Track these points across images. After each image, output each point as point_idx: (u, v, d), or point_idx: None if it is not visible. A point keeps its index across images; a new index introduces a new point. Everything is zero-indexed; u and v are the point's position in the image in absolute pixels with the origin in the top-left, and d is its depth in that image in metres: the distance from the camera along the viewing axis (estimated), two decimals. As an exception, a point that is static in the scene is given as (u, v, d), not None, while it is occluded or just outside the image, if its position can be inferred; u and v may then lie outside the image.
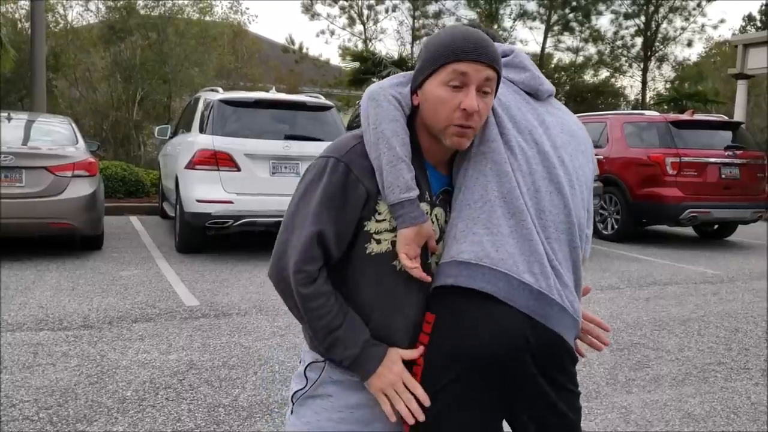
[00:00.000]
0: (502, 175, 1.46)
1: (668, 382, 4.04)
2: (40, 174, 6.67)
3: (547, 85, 1.62)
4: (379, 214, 1.46)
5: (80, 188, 6.88)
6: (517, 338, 1.40)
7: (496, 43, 1.67)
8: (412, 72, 1.53)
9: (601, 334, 1.68)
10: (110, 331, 4.63)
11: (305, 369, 1.58)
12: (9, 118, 7.79)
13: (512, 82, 1.60)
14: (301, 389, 1.57)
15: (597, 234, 10.22)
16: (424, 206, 1.49)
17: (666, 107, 21.35)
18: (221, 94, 7.72)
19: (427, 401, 1.44)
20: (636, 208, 9.79)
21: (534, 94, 1.60)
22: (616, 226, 10.07)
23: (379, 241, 1.47)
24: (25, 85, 14.06)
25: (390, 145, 1.43)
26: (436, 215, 1.53)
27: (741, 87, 16.69)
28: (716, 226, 10.80)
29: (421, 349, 1.48)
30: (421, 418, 1.43)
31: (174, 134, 9.58)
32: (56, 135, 7.68)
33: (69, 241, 7.75)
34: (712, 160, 9.57)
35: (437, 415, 1.46)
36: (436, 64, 1.43)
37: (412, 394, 1.46)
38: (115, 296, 5.59)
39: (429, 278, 1.46)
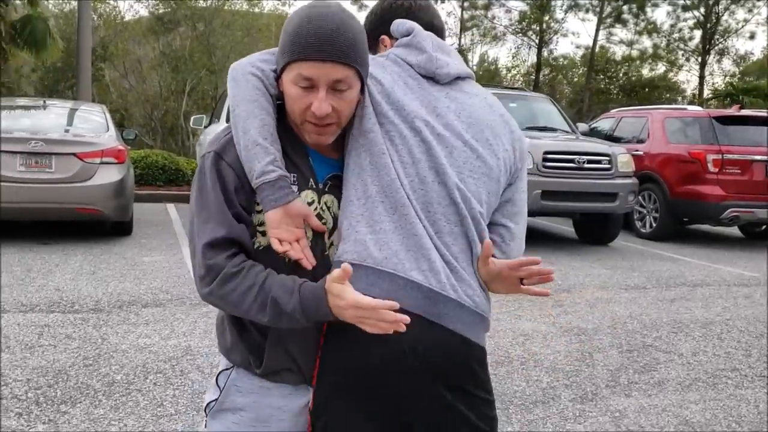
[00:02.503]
0: (381, 168, 1.38)
1: (672, 387, 3.88)
2: (69, 160, 6.84)
3: (449, 68, 1.49)
4: (258, 205, 1.40)
5: (108, 175, 7.03)
6: (405, 342, 1.31)
7: (402, 21, 1.56)
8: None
9: (533, 268, 1.39)
10: (118, 315, 4.71)
11: (217, 377, 1.53)
12: (44, 106, 8.02)
13: (409, 64, 1.49)
14: (213, 400, 1.53)
15: (635, 232, 9.93)
16: (310, 194, 1.42)
17: (722, 102, 20.58)
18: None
19: (393, 304, 1.24)
20: (675, 207, 9.46)
21: (432, 78, 1.48)
22: (654, 225, 9.75)
23: (263, 233, 1.40)
24: (74, 74, 14.48)
25: (245, 128, 1.35)
26: (326, 203, 1.44)
27: (801, 82, 15.95)
28: (764, 227, 10.36)
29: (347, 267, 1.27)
30: (406, 320, 1.24)
31: (209, 124, 9.71)
32: (90, 123, 7.87)
33: (99, 226, 7.94)
34: (758, 157, 9.16)
35: (325, 428, 1.40)
36: (284, 60, 1.34)
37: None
38: (132, 281, 5.69)
39: (309, 264, 1.37)
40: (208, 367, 3.82)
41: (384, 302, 1.24)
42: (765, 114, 10.24)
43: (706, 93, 26.26)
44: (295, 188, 1.39)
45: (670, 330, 5.06)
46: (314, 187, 1.43)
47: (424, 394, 1.35)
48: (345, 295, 1.26)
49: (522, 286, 1.41)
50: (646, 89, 28.13)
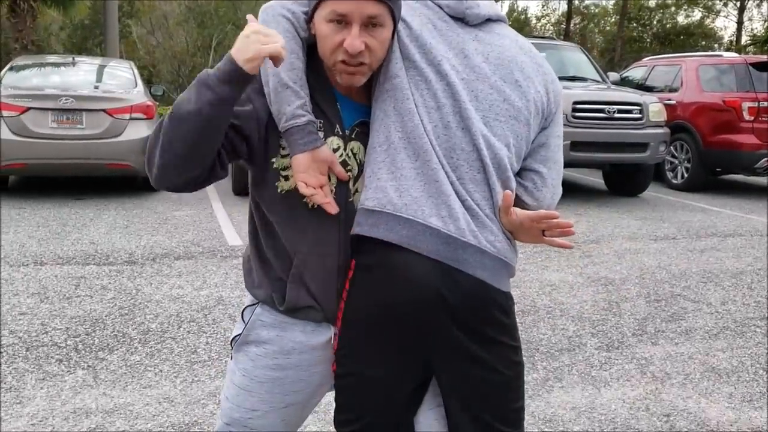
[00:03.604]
0: (405, 114, 1.37)
1: (700, 336, 3.88)
2: (99, 116, 6.93)
3: (479, 9, 1.46)
4: (284, 149, 1.41)
5: (138, 130, 7.11)
6: (425, 287, 1.33)
7: None
8: None
9: (553, 221, 1.37)
10: (151, 267, 4.83)
11: (242, 312, 1.58)
12: (74, 63, 8.09)
13: (438, 6, 1.47)
14: (238, 334, 1.58)
15: (666, 183, 9.79)
16: (336, 141, 1.42)
17: (761, 48, 19.92)
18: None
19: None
20: (708, 157, 9.27)
21: (462, 19, 1.46)
22: (686, 175, 9.59)
23: (287, 178, 1.42)
24: (101, 31, 14.54)
25: (275, 71, 1.35)
26: (352, 150, 1.45)
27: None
28: (800, 177, 10.13)
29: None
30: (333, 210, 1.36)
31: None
32: (118, 79, 7.94)
33: (130, 181, 8.07)
34: (796, 105, 8.90)
35: (350, 366, 1.44)
36: None
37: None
38: (164, 235, 5.80)
39: (333, 209, 1.39)
40: (240, 316, 3.90)
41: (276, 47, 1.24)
42: (804, 60, 9.91)
43: (744, 39, 25.43)
44: (321, 134, 1.41)
45: (699, 280, 5.03)
46: (340, 133, 1.44)
47: (446, 337, 1.37)
48: (252, 24, 1.28)
49: (544, 237, 1.42)
50: (681, 37, 27.33)
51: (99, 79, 7.85)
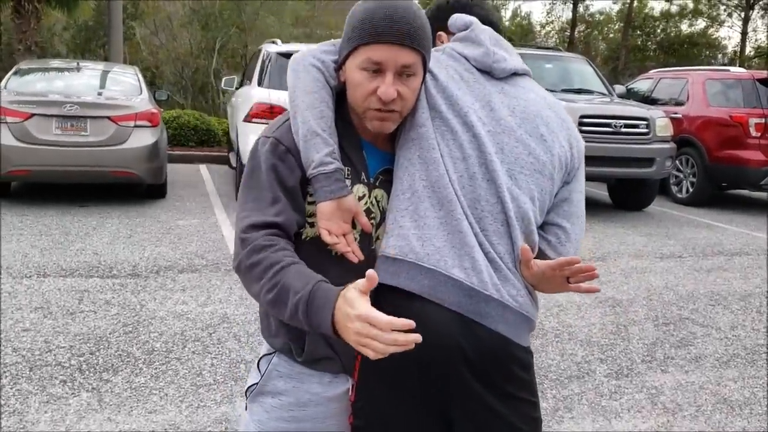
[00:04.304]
0: (430, 163, 1.37)
1: (710, 363, 3.84)
2: (103, 123, 6.88)
3: (506, 63, 1.47)
4: (310, 195, 1.40)
5: (142, 138, 7.06)
6: (445, 339, 1.30)
7: (460, 16, 1.54)
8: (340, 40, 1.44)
9: (575, 267, 1.32)
10: (155, 281, 4.78)
11: (258, 361, 1.56)
12: (78, 68, 8.05)
13: (465, 58, 1.47)
14: (254, 384, 1.55)
15: (671, 197, 9.75)
16: (361, 188, 1.42)
17: (766, 60, 19.90)
18: (279, 47, 7.70)
19: (409, 323, 1.10)
20: (714, 171, 9.24)
21: (489, 72, 1.46)
22: (690, 190, 9.56)
23: (312, 224, 1.42)
24: (105, 32, 14.51)
25: (304, 119, 1.36)
26: (376, 198, 1.44)
27: None
28: (805, 192, 10.10)
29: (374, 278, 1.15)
30: (417, 339, 1.11)
31: (240, 85, 9.67)
32: (123, 85, 7.90)
33: (134, 189, 8.03)
34: (802, 121, 8.87)
35: (368, 418, 1.41)
36: (351, 45, 1.35)
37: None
38: (168, 245, 5.76)
39: (356, 258, 1.37)
40: (245, 335, 3.87)
41: (401, 321, 1.09)
42: (811, 76, 9.89)
43: (749, 50, 25.43)
44: (348, 182, 1.39)
45: (708, 302, 4.99)
46: (366, 181, 1.43)
47: (465, 390, 1.34)
48: (357, 305, 1.12)
49: (570, 284, 1.39)
50: (685, 46, 27.32)
51: (103, 85, 7.81)
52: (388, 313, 1.34)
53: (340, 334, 1.17)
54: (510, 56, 1.49)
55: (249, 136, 7.15)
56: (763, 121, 8.83)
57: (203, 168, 10.64)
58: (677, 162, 9.52)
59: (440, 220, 1.35)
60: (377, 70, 1.33)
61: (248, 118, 7.21)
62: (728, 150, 9.07)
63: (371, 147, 1.45)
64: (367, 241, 1.44)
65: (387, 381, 1.39)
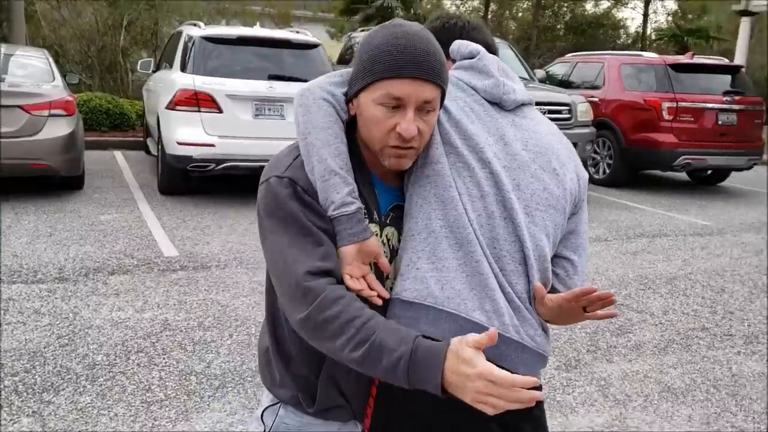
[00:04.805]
0: (447, 202, 1.32)
1: (650, 351, 4.00)
2: (15, 113, 6.42)
3: (515, 95, 1.43)
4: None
5: (57, 128, 6.63)
6: None
7: (464, 42, 1.49)
8: (350, 70, 1.35)
9: (593, 296, 1.30)
10: (85, 285, 4.52)
11: (262, 413, 1.47)
12: (-19, 52, 7.46)
13: (474, 88, 1.42)
14: None
15: (589, 179, 10.07)
16: (373, 227, 1.35)
17: (668, 44, 20.84)
18: (203, 30, 7.39)
19: (533, 381, 1.08)
20: (629, 154, 9.62)
21: (498, 104, 1.42)
22: (608, 171, 9.92)
23: None
24: (3, 8, 13.54)
25: (321, 157, 1.28)
26: (386, 236, 1.38)
27: (744, 24, 16.24)
28: (710, 171, 10.67)
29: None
30: (540, 397, 1.11)
31: (157, 68, 9.25)
32: (32, 69, 7.38)
33: (48, 181, 7.56)
34: (710, 105, 9.35)
35: None
36: (368, 79, 1.27)
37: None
38: (93, 244, 5.46)
39: (380, 300, 1.30)
40: (190, 344, 3.72)
41: (523, 379, 1.08)
42: (717, 62, 10.42)
43: (650, 31, 26.53)
44: (367, 222, 1.33)
45: (638, 287, 5.20)
46: (377, 219, 1.37)
47: None
48: (477, 363, 1.09)
49: (586, 313, 1.38)
50: (591, 27, 28.21)
51: (13, 70, 7.27)
52: None
53: (452, 392, 1.13)
54: (518, 86, 1.45)
55: (174, 125, 6.87)
56: (674, 105, 9.24)
57: (119, 154, 10.16)
58: (595, 144, 9.84)
59: (459, 262, 1.31)
60: (396, 106, 1.26)
61: (171, 105, 6.91)
62: (643, 133, 9.46)
63: (380, 183, 1.39)
64: (380, 279, 1.37)
65: (403, 427, 1.35)
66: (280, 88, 7.03)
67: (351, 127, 1.36)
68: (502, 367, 1.30)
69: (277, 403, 1.44)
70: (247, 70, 7.09)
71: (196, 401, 3.12)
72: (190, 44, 7.27)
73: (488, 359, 1.29)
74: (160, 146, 7.41)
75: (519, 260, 1.34)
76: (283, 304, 1.30)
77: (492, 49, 1.51)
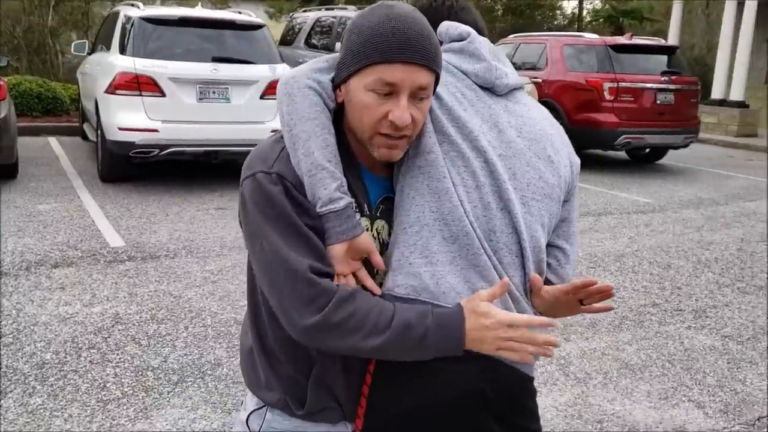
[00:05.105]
0: (442, 193, 1.25)
1: (605, 328, 4.08)
2: (-60, 99, 6.06)
3: (508, 79, 1.37)
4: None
5: (-13, 114, 6.31)
6: (467, 384, 1.24)
7: (453, 24, 1.43)
8: (336, 55, 1.28)
9: (592, 288, 1.29)
10: (27, 279, 4.32)
11: (248, 417, 1.40)
12: None
13: (464, 73, 1.35)
14: None
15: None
16: (363, 221, 1.28)
17: (604, 24, 21.26)
18: (142, 11, 7.10)
19: (549, 321, 1.19)
20: (573, 134, 9.59)
21: (490, 89, 1.36)
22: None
23: None
24: None
25: (307, 150, 1.21)
26: (377, 230, 1.31)
27: (676, 6, 16.67)
28: (648, 150, 10.97)
29: (506, 281, 1.22)
30: (557, 343, 1.22)
31: (92, 51, 8.88)
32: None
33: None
34: (649, 85, 9.58)
35: None
36: (359, 63, 1.19)
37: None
38: (33, 235, 5.22)
39: (378, 290, 1.26)
40: (144, 337, 3.59)
41: (540, 318, 1.19)
42: (654, 42, 10.67)
43: (585, 12, 27.00)
44: (358, 217, 1.26)
45: (588, 265, 5.29)
46: (367, 212, 1.30)
47: (477, 430, 1.29)
48: (493, 313, 1.17)
49: (582, 306, 1.36)
50: (530, 7, 28.52)
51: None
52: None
53: (472, 347, 1.19)
54: (510, 70, 1.40)
55: (115, 109, 6.62)
56: (615, 85, 9.43)
57: (53, 141, 9.74)
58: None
59: (453, 255, 1.26)
60: (388, 93, 1.19)
61: (111, 90, 6.65)
62: (585, 113, 9.62)
63: (369, 174, 1.32)
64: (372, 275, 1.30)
65: (397, 425, 1.30)
66: (225, 71, 6.85)
67: (338, 115, 1.29)
68: (501, 363, 1.27)
69: (263, 407, 1.38)
70: (190, 52, 6.87)
71: (155, 398, 3.01)
72: (128, 25, 6.99)
73: (490, 358, 1.26)
74: (99, 132, 7.13)
75: (516, 252, 1.30)
76: (282, 310, 1.22)
77: (481, 31, 1.44)
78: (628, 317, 4.27)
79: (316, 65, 1.28)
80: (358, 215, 1.26)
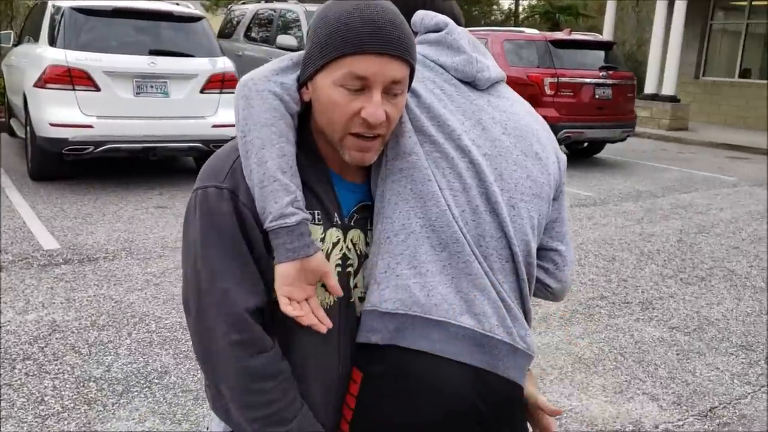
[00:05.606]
0: (427, 198, 1.17)
1: (557, 322, 4.09)
2: None
3: (490, 72, 1.29)
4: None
5: None
6: (459, 399, 1.17)
7: (428, 13, 1.35)
8: (302, 52, 1.17)
9: (551, 423, 1.36)
10: (-47, 286, 4.05)
11: None
12: None
13: (442, 66, 1.27)
14: None
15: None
16: (335, 233, 1.19)
17: (540, 20, 21.63)
18: (72, 1, 6.78)
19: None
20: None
21: (471, 83, 1.27)
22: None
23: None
24: None
25: (260, 159, 1.10)
26: (352, 240, 1.21)
27: (611, 3, 17.07)
28: (586, 144, 11.18)
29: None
30: None
31: (18, 42, 8.45)
32: None
33: None
34: (588, 80, 9.74)
35: None
36: (326, 56, 1.08)
37: None
38: (-43, 239, 4.91)
39: (324, 328, 1.14)
40: (85, 346, 3.40)
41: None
42: (592, 38, 10.88)
43: (522, 8, 27.44)
44: (319, 229, 1.17)
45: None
46: (338, 222, 1.20)
47: None
48: None
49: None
50: (468, 3, 28.80)
51: None
52: (394, 377, 1.19)
53: None
54: (491, 63, 1.32)
55: (45, 104, 6.30)
56: (556, 80, 9.55)
57: (-23, 138, 9.24)
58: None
59: (443, 263, 1.18)
60: (359, 88, 1.09)
61: (41, 83, 6.33)
62: (526, 108, 9.71)
63: (340, 179, 1.21)
64: (344, 295, 1.20)
65: None
66: (163, 64, 6.61)
67: (304, 116, 1.19)
68: (495, 375, 1.21)
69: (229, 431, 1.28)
70: (125, 45, 6.60)
71: (99, 410, 2.85)
72: (58, 16, 6.66)
73: (480, 366, 1.19)
74: (28, 128, 6.78)
75: (506, 257, 1.23)
76: (203, 329, 1.15)
77: (458, 20, 1.36)
78: (578, 311, 4.30)
79: (279, 65, 1.17)
80: (320, 228, 1.17)
